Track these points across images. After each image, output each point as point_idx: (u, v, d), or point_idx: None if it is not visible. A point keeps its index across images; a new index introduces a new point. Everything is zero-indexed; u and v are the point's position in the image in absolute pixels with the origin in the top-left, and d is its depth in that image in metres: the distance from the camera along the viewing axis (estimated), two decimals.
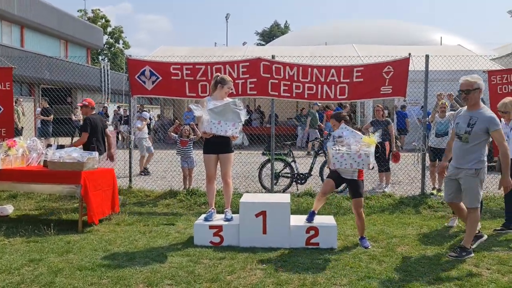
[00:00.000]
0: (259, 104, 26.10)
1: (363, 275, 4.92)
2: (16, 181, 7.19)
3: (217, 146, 6.34)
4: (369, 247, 5.96)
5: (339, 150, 5.90)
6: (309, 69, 9.06)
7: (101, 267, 5.11)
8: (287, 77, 9.08)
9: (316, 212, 6.28)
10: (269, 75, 9.09)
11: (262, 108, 25.58)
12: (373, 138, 5.94)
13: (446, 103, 9.35)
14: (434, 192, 9.34)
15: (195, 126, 9.81)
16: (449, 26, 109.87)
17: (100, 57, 50.44)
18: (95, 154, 7.13)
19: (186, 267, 5.15)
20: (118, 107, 16.39)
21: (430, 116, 9.70)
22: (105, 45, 51.39)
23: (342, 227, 6.93)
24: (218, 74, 6.63)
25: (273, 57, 9.43)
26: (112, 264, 5.23)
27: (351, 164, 5.84)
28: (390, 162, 10.19)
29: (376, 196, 9.11)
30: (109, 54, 52.93)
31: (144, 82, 9.33)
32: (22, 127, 15.91)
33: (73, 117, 19.07)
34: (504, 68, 11.78)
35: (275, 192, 9.40)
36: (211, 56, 16.65)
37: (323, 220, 6.29)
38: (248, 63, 9.17)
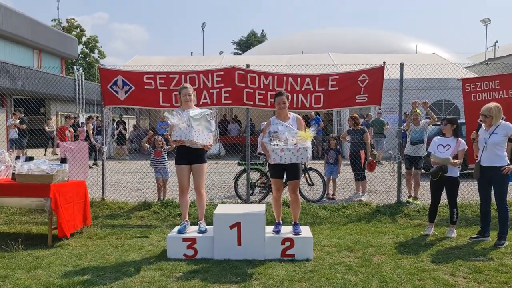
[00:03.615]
0: (236, 113, 26.01)
1: (339, 287, 4.85)
2: None
3: (190, 156, 6.23)
4: (301, 233, 6.01)
5: (277, 145, 5.94)
6: (284, 78, 9.02)
7: (70, 284, 4.92)
8: (262, 86, 9.02)
9: (281, 222, 6.25)
10: (244, 84, 9.02)
11: (239, 117, 25.48)
12: (309, 133, 6.03)
13: (418, 111, 9.40)
14: (410, 200, 9.37)
15: (168, 137, 9.63)
16: (424, 35, 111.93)
17: (75, 67, 49.73)
18: (65, 166, 6.94)
19: (158, 281, 5.00)
20: (90, 116, 15.92)
21: (405, 124, 9.74)
22: (80, 55, 50.74)
23: (318, 237, 6.86)
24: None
25: (247, 66, 9.36)
26: (82, 280, 5.05)
27: (290, 158, 5.93)
28: (366, 170, 10.19)
29: (353, 205, 9.08)
30: (84, 64, 52.25)
31: (117, 92, 9.16)
32: None
33: (46, 128, 18.70)
34: (478, 76, 11.93)
35: (251, 202, 9.29)
36: (187, 65, 16.51)
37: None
38: (222, 72, 9.08)
